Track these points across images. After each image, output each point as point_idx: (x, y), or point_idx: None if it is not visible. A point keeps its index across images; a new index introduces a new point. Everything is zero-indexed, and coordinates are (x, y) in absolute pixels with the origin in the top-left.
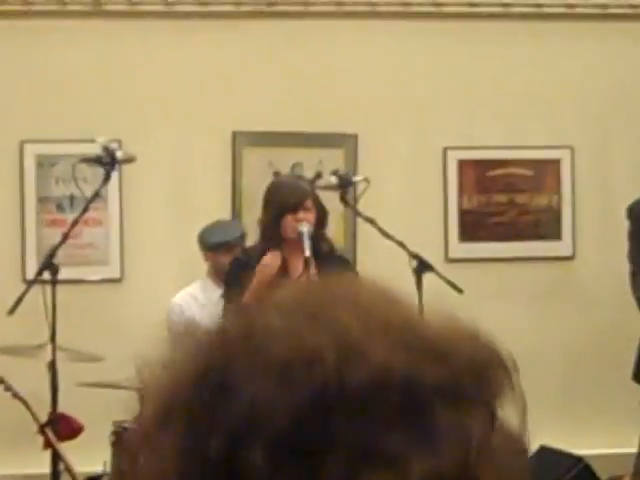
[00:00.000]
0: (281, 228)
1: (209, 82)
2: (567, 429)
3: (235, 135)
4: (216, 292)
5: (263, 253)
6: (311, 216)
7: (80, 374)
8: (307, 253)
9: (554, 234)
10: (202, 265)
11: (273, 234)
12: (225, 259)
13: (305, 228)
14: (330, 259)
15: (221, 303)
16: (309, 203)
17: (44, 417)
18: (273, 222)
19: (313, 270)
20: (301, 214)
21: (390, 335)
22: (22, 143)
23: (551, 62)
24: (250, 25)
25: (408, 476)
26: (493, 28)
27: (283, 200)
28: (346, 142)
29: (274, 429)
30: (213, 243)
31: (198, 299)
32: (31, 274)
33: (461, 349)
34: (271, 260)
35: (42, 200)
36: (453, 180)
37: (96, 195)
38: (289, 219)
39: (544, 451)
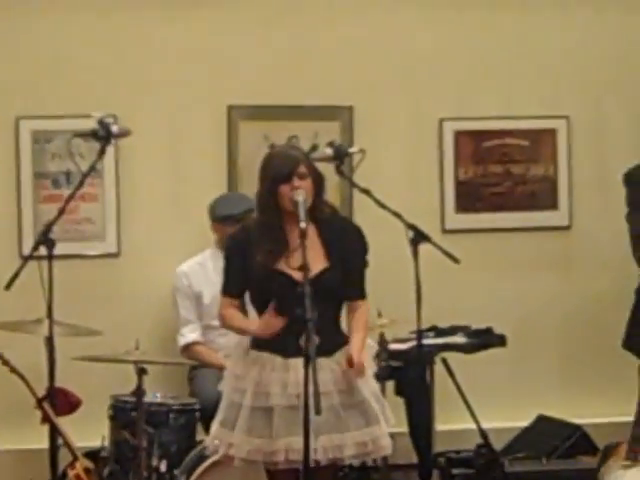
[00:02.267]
0: (277, 199)
1: (204, 56)
2: (564, 398)
3: (230, 109)
4: (223, 262)
5: (262, 227)
6: (306, 183)
7: (77, 349)
8: (302, 225)
9: (550, 204)
10: (199, 238)
11: (270, 206)
12: (232, 231)
13: (300, 197)
14: (333, 221)
15: None
16: (303, 170)
17: (42, 392)
18: (269, 194)
19: (308, 242)
20: (296, 182)
21: None
22: (18, 119)
23: (547, 32)
24: None
25: None
26: None
27: (276, 170)
28: (342, 114)
29: None
30: (220, 215)
31: (207, 267)
32: (28, 250)
33: None
34: (272, 324)
35: (38, 176)
36: (449, 151)
37: (92, 169)
38: (284, 189)
39: (542, 420)
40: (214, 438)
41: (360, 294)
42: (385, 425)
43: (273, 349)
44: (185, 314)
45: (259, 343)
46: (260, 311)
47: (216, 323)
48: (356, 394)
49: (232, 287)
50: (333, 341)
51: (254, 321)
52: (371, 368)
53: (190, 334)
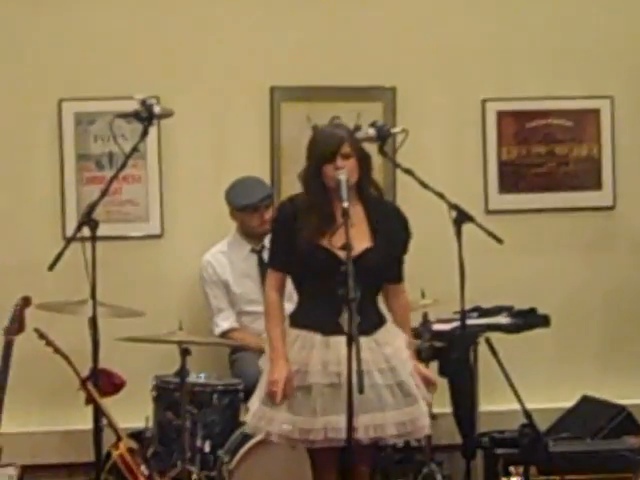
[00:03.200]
0: (323, 178)
1: (247, 37)
2: (609, 379)
3: (273, 90)
4: (245, 248)
5: (309, 207)
6: (351, 163)
7: (121, 330)
8: (345, 204)
9: (594, 184)
10: None
11: (316, 185)
12: (251, 219)
13: (342, 176)
14: (378, 205)
15: (251, 258)
16: (347, 150)
17: (86, 373)
18: (314, 173)
19: (355, 220)
20: (339, 162)
21: None
22: (60, 101)
23: (590, 12)
24: None
25: None
26: None
27: (321, 150)
28: (384, 95)
29: None
30: (240, 205)
31: (230, 256)
32: (71, 232)
33: None
34: (275, 384)
35: (81, 158)
36: (492, 132)
37: (134, 150)
38: (328, 169)
39: (586, 401)
40: (254, 416)
41: (400, 277)
42: (424, 406)
43: (312, 327)
44: (216, 303)
45: (298, 322)
46: (300, 287)
47: (249, 309)
48: (395, 374)
49: (278, 261)
50: (372, 320)
51: (279, 344)
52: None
53: (224, 322)
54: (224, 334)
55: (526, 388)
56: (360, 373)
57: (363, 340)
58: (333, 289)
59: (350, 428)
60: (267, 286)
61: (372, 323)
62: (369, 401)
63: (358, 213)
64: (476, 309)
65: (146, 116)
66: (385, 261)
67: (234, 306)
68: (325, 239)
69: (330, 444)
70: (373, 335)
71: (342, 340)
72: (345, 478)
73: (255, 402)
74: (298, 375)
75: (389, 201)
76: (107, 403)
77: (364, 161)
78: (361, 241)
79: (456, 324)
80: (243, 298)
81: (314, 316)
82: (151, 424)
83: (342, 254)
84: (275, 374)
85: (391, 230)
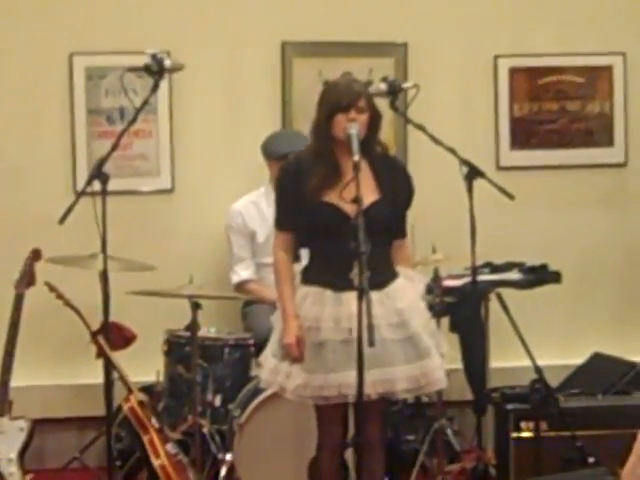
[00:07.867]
0: (332, 128)
1: None
2: (620, 336)
3: (284, 45)
4: None
5: (314, 155)
6: (363, 117)
7: (132, 284)
8: (355, 157)
9: (606, 141)
10: (253, 175)
11: (324, 134)
12: None
13: (354, 130)
14: (384, 160)
15: None
16: (362, 103)
17: (96, 327)
18: (325, 121)
19: (361, 175)
20: (353, 114)
21: None
22: (71, 55)
23: None
24: None
25: None
26: None
27: (336, 99)
28: (396, 51)
29: None
30: (280, 153)
31: (260, 205)
32: (82, 186)
33: None
34: (289, 341)
35: (92, 112)
36: (504, 88)
37: (145, 104)
38: (340, 118)
39: (598, 358)
40: (271, 372)
41: (404, 232)
42: (439, 358)
43: (323, 283)
44: (239, 252)
45: (308, 278)
46: (309, 244)
47: (269, 260)
48: (406, 328)
49: (285, 220)
50: (383, 275)
51: (288, 305)
52: (422, 301)
53: (243, 272)
54: (241, 284)
55: (537, 345)
56: (371, 327)
57: (374, 294)
58: (342, 245)
59: (361, 383)
60: (274, 247)
61: (384, 277)
62: (378, 356)
63: (364, 168)
64: (487, 265)
65: (157, 70)
66: (393, 214)
67: (255, 257)
68: (331, 195)
69: (344, 400)
70: (385, 289)
71: (354, 296)
72: (358, 434)
73: (269, 357)
74: (310, 332)
75: (393, 156)
76: (118, 357)
77: (375, 119)
78: (368, 194)
79: (467, 280)
80: (266, 249)
81: (325, 272)
82: (162, 378)
83: (349, 209)
84: (286, 337)
85: (397, 184)
